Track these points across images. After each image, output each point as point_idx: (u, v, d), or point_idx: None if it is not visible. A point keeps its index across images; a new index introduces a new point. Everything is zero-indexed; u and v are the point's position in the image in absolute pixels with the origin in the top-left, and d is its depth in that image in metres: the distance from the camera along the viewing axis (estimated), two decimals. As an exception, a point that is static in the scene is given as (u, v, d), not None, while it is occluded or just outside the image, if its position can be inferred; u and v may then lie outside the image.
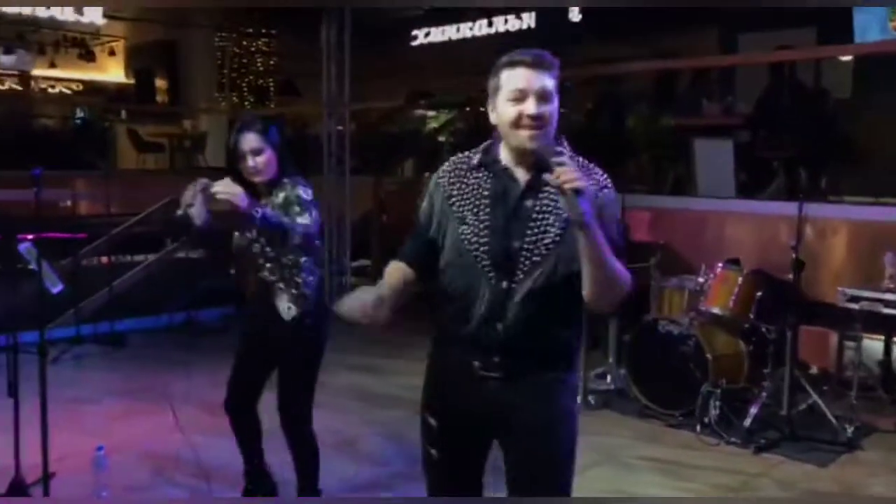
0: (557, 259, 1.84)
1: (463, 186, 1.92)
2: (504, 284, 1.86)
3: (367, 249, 8.47)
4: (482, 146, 1.97)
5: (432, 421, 2.01)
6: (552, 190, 1.79)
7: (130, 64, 15.09)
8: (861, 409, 4.38)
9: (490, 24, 11.64)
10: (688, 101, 7.99)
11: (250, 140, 2.85)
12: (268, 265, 2.93)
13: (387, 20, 12.86)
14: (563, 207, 1.77)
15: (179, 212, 2.77)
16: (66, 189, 6.94)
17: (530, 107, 1.80)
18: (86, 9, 13.09)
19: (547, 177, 1.72)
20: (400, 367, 5.39)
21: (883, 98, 7.35)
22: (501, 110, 1.84)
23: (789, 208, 4.74)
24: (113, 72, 15.18)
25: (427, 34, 12.72)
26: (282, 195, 2.86)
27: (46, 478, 3.30)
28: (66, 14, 13.07)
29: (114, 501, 3.47)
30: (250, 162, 2.85)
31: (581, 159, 1.90)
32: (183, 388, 4.64)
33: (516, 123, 1.82)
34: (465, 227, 1.89)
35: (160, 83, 14.16)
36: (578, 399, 2.16)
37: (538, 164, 1.81)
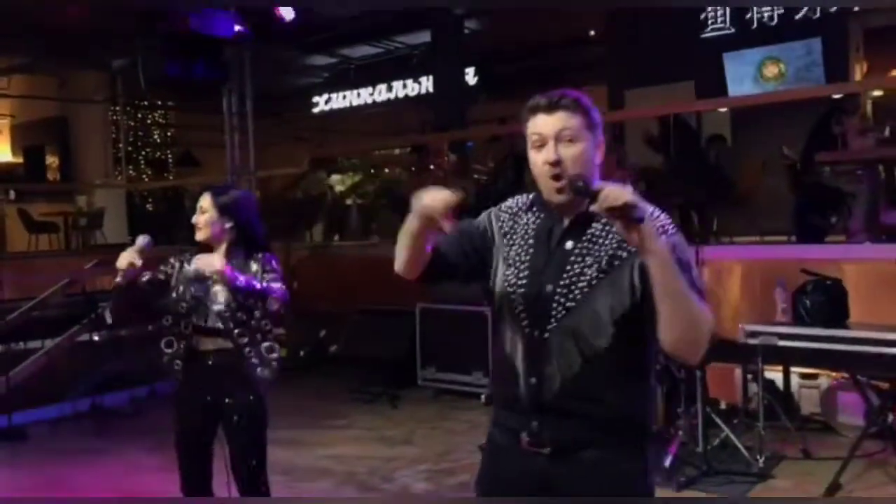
0: (595, 305, 1.63)
1: (516, 226, 1.78)
2: (536, 333, 1.67)
3: (280, 317, 8.30)
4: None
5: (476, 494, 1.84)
6: (598, 229, 1.67)
7: (17, 141, 14.50)
8: (769, 438, 4.59)
9: (390, 89, 11.90)
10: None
11: (203, 198, 2.97)
12: (236, 329, 2.92)
13: (286, 88, 12.94)
14: (612, 243, 1.64)
15: (118, 279, 2.73)
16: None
17: (548, 152, 1.67)
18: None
19: (593, 207, 1.52)
20: (323, 438, 5.27)
21: (760, 143, 7.93)
22: (530, 159, 1.72)
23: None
24: (-2, 150, 14.54)
25: (328, 101, 12.87)
26: (254, 266, 2.94)
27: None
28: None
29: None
30: (195, 218, 2.94)
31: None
32: (91, 478, 4.39)
33: (540, 171, 1.69)
34: (509, 268, 1.73)
35: (51, 160, 13.64)
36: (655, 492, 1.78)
37: (577, 194, 1.61)
